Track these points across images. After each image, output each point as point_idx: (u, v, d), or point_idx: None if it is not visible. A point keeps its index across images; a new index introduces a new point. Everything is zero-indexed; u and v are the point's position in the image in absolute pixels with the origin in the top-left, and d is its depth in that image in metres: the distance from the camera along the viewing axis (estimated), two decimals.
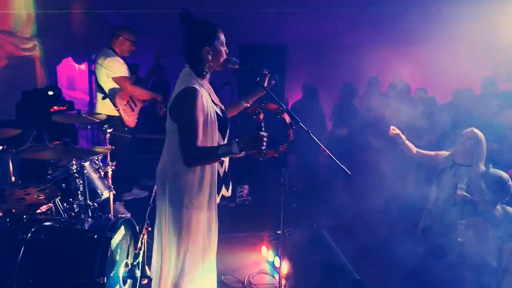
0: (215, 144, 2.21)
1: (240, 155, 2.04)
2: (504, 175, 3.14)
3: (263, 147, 2.03)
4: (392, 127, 3.86)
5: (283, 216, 2.70)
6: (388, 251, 3.88)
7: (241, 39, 6.89)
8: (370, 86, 6.73)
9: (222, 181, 2.37)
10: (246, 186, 4.68)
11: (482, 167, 3.49)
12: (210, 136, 2.18)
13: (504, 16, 6.69)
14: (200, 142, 2.07)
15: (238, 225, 4.44)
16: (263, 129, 2.11)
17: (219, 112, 2.27)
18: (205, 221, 2.26)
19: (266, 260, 3.82)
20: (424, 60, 7.77)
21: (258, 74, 2.57)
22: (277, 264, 3.56)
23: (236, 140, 2.03)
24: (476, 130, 3.61)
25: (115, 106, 4.38)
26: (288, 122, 2.33)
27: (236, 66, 2.44)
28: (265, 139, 2.02)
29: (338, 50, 7.61)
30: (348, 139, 5.65)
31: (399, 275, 3.57)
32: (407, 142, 3.90)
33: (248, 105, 2.59)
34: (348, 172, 2.88)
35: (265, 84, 2.55)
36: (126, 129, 4.53)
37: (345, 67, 7.09)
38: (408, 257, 3.65)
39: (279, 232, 3.36)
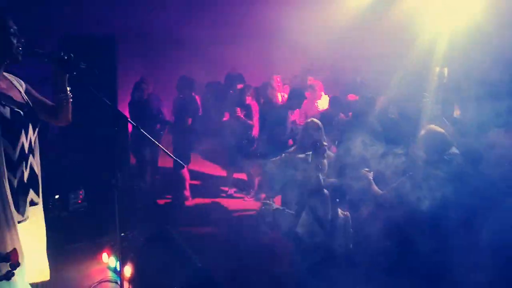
0: None
1: None
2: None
3: None
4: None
5: (124, 218, 2.58)
6: (231, 236, 4.12)
7: (64, 30, 6.19)
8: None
9: (28, 186, 2.07)
10: (81, 192, 4.26)
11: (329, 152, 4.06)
12: None
13: (316, 18, 7.75)
14: None
15: (75, 234, 4.03)
16: None
17: (7, 113, 1.95)
18: (6, 240, 1.93)
19: (108, 267, 3.59)
20: (254, 54, 8.40)
21: (74, 67, 2.34)
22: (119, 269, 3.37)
23: None
24: (316, 120, 4.08)
25: None
26: None
27: (46, 60, 2.20)
28: None
29: (175, 44, 7.56)
30: (191, 131, 5.69)
31: (244, 260, 3.81)
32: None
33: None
34: (183, 164, 2.93)
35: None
36: None
37: (182, 60, 7.10)
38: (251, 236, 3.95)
39: (122, 235, 3.20)
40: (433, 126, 3.42)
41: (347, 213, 3.63)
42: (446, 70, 10.11)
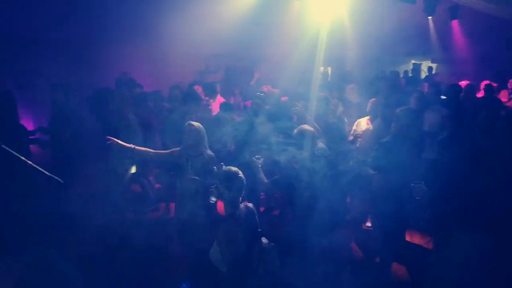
0: None
1: None
2: (234, 169, 3.01)
3: None
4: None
5: None
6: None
7: None
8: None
9: None
10: None
11: (210, 152, 3.87)
12: None
13: (207, 15, 7.75)
14: None
15: None
16: None
17: None
18: None
19: None
20: (145, 57, 8.11)
21: None
22: None
23: None
24: (194, 122, 3.87)
25: None
26: None
27: None
28: None
29: (47, 46, 6.85)
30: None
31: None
32: (137, 148, 3.84)
33: None
34: (60, 180, 2.68)
35: None
36: None
37: (57, 65, 6.48)
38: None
39: None
40: (305, 126, 3.67)
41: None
42: (329, 70, 11.06)
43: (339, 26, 7.27)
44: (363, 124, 5.49)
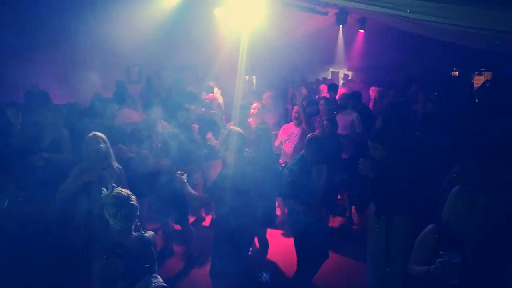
0: None
1: None
2: (125, 192, 2.61)
3: None
4: None
5: None
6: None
7: None
8: None
9: None
10: None
11: (117, 164, 3.67)
12: None
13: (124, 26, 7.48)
14: None
15: None
16: None
17: None
18: None
19: None
20: (61, 68, 7.58)
21: None
22: None
23: None
24: (100, 134, 3.62)
25: None
26: None
27: None
28: None
29: None
30: None
31: None
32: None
33: None
34: None
35: None
36: None
37: None
38: None
39: None
40: (232, 126, 3.66)
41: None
42: (254, 79, 11.33)
43: (259, 35, 7.49)
44: (288, 129, 5.77)
